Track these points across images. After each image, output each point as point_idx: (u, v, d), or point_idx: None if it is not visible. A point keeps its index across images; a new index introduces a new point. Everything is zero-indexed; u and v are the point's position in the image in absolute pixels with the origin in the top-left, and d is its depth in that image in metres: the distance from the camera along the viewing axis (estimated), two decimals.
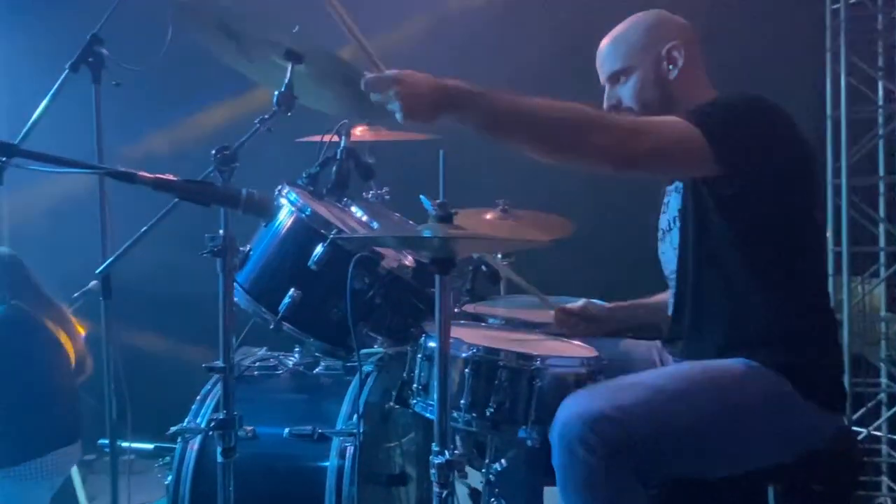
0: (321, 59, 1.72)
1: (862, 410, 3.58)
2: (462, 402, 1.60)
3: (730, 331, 1.58)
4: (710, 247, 1.61)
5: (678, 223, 1.69)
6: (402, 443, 2.23)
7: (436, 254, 1.43)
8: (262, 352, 2.26)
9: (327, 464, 1.82)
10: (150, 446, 2.24)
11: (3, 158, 1.31)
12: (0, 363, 2.50)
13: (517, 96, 1.45)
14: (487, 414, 1.59)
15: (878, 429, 3.55)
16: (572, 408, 1.45)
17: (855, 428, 3.44)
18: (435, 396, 1.44)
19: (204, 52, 1.79)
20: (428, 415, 1.65)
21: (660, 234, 1.80)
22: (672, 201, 1.75)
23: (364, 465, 1.82)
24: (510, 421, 1.60)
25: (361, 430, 1.79)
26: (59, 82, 2.02)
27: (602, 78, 1.74)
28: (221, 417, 1.58)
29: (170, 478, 1.87)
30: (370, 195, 2.48)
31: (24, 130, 1.94)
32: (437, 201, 1.40)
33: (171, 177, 1.31)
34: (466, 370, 1.61)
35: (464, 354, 1.62)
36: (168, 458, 1.92)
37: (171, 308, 3.74)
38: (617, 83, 1.70)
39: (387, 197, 2.54)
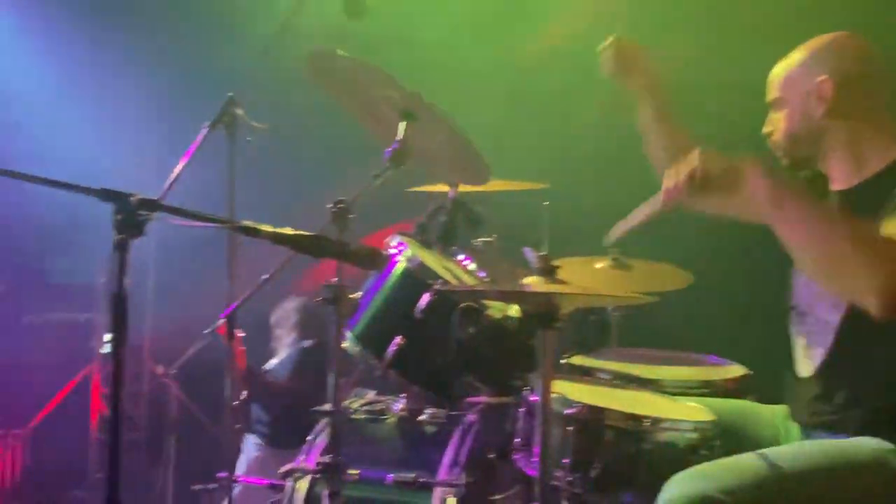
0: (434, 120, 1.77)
1: None
2: (565, 460, 1.56)
3: (882, 402, 1.42)
4: None
5: None
6: (509, 496, 2.18)
7: (537, 308, 1.41)
8: (371, 394, 2.31)
9: None
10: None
11: (145, 213, 1.44)
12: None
13: (818, 204, 1.40)
14: (592, 475, 1.54)
15: None
16: (677, 489, 1.36)
17: None
18: (536, 453, 1.41)
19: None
20: (529, 471, 1.62)
21: None
22: None
23: None
24: (615, 484, 1.53)
25: (463, 482, 1.78)
26: (198, 140, 2.21)
27: None
28: (328, 461, 1.63)
29: None
30: (479, 243, 2.50)
31: (167, 185, 2.14)
32: (540, 254, 1.40)
33: (287, 230, 1.39)
34: (569, 428, 1.57)
35: (567, 411, 1.58)
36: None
37: None
38: (777, 111, 1.60)
39: (496, 244, 2.55)
